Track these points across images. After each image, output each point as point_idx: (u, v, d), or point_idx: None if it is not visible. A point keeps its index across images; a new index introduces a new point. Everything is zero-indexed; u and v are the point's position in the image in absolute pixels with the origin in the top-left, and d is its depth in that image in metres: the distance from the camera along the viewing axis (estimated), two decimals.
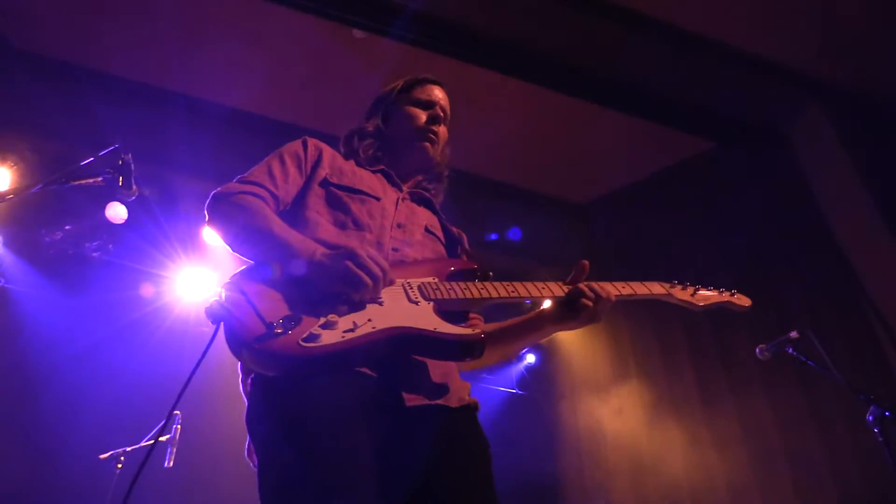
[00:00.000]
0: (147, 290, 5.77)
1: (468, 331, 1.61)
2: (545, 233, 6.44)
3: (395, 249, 1.85)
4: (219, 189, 1.82)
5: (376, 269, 1.59)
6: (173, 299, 5.96)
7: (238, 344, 1.48)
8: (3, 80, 4.98)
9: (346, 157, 2.08)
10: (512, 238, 6.28)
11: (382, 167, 2.07)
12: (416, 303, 1.66)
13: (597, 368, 6.57)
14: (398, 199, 1.99)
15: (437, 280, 1.77)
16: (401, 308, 1.63)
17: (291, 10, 4.54)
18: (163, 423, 1.86)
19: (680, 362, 5.73)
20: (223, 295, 1.57)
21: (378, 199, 1.94)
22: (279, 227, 1.71)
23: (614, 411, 6.17)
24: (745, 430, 5.07)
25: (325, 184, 1.91)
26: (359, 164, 2.04)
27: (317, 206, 1.87)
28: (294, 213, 1.87)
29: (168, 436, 4.49)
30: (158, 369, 5.48)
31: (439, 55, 4.78)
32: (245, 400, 1.67)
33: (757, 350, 3.63)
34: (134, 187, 2.69)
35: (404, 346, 1.58)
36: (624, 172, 6.12)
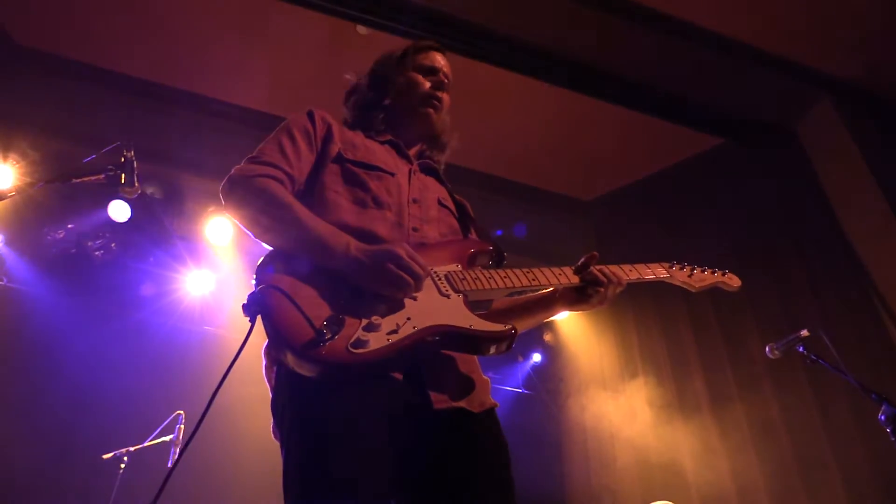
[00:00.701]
0: (148, 288, 5.77)
1: (501, 327, 1.63)
2: (549, 230, 6.44)
3: (414, 229, 1.85)
4: (234, 171, 1.77)
5: (419, 270, 1.61)
6: (177, 298, 5.98)
7: (282, 346, 1.49)
8: (5, 77, 5.00)
9: (353, 126, 2.06)
10: (517, 235, 6.27)
11: (390, 137, 2.06)
12: (447, 296, 1.69)
13: (604, 368, 6.55)
14: (410, 172, 1.99)
15: (461, 268, 1.79)
16: (434, 303, 1.66)
17: (296, 7, 4.54)
18: (200, 420, 1.82)
19: (688, 361, 5.71)
20: (261, 289, 1.56)
21: (393, 174, 1.93)
22: (306, 215, 1.68)
23: (622, 411, 6.15)
24: (755, 429, 5.04)
25: (339, 160, 1.89)
26: (367, 136, 2.02)
27: (334, 184, 1.85)
28: (311, 192, 1.85)
29: (172, 436, 4.51)
30: (162, 368, 5.51)
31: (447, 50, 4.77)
32: (269, 387, 1.69)
33: (766, 349, 3.62)
34: (136, 184, 2.70)
35: (440, 342, 1.61)
36: (629, 169, 6.12)
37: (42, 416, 5.11)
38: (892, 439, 3.17)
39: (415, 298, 1.64)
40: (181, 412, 4.59)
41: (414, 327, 1.56)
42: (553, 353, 7.17)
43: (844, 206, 4.97)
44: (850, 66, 4.83)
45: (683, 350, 5.80)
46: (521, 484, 1.71)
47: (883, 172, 4.76)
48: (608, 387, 6.41)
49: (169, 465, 4.35)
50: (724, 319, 5.48)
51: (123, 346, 5.51)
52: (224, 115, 5.45)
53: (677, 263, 2.14)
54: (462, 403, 1.68)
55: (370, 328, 1.52)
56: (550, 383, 7.10)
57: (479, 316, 1.67)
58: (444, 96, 2.13)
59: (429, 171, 2.11)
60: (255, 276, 1.63)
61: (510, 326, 1.63)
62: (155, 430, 4.58)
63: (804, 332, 3.48)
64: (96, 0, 4.64)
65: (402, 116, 2.10)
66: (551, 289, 1.98)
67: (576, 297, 1.94)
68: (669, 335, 5.94)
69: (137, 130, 5.06)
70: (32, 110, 5.04)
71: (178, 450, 4.41)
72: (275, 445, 1.64)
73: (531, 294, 2.01)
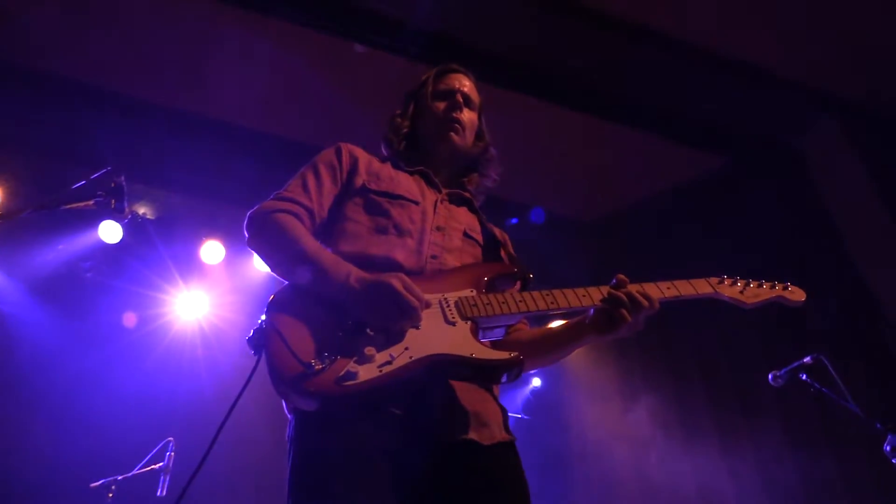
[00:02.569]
0: (130, 319, 5.78)
1: (505, 355, 1.60)
2: (551, 252, 6.46)
3: (433, 257, 1.87)
4: (255, 208, 1.87)
5: (414, 302, 1.61)
6: (169, 321, 6.00)
7: (276, 381, 1.55)
8: None
9: (385, 159, 2.11)
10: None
11: (421, 168, 2.10)
12: (454, 323, 1.67)
13: (605, 394, 6.54)
14: (437, 201, 2.02)
15: (474, 293, 1.77)
16: (437, 331, 1.65)
17: (291, 25, 4.61)
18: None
19: (692, 387, 5.72)
20: (259, 326, 1.64)
21: (417, 202, 1.97)
22: (312, 246, 1.75)
23: (624, 437, 6.15)
24: (759, 457, 5.05)
25: (363, 191, 1.95)
26: (395, 166, 2.07)
27: (356, 214, 1.91)
28: (332, 224, 1.92)
29: (161, 464, 4.48)
30: (153, 395, 5.50)
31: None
32: (288, 417, 1.74)
33: (770, 376, 3.64)
34: (126, 210, 2.75)
35: (441, 371, 1.61)
36: (632, 190, 6.15)
37: (29, 443, 5.09)
38: None
39: (418, 327, 1.64)
40: (171, 439, 4.57)
41: (410, 357, 1.57)
42: (553, 378, 7.17)
43: (849, 227, 5.01)
44: (854, 84, 4.89)
45: (687, 374, 5.80)
46: None
47: (889, 193, 4.79)
48: (610, 413, 6.40)
49: (159, 493, 4.33)
50: (728, 346, 5.50)
51: (113, 371, 5.50)
52: (220, 134, 5.50)
53: (728, 277, 1.98)
54: (471, 436, 1.66)
55: (362, 360, 1.54)
56: (551, 409, 7.10)
57: (490, 343, 1.66)
58: (463, 116, 2.14)
59: (461, 201, 2.12)
60: (264, 311, 1.68)
61: (515, 354, 1.60)
62: (144, 458, 4.56)
63: (808, 360, 3.50)
64: (89, 19, 4.69)
65: (428, 144, 2.15)
66: (581, 315, 1.89)
67: (605, 323, 1.80)
68: (672, 362, 5.95)
69: (131, 151, 5.11)
70: (24, 130, 5.07)
71: (167, 477, 4.40)
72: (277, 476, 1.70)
73: (565, 321, 1.95)
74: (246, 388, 1.68)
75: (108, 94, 5.18)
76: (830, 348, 4.58)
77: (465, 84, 2.21)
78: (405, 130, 2.18)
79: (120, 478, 4.48)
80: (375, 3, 4.53)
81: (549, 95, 5.18)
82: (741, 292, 1.95)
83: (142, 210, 5.61)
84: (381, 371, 1.53)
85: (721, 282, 1.96)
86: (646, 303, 1.77)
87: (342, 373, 1.51)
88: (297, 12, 4.55)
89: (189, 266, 5.87)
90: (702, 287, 1.93)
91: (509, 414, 1.90)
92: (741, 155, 5.53)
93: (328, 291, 1.67)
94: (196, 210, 5.75)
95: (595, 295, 1.80)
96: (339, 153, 2.02)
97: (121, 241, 5.55)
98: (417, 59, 4.75)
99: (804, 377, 3.52)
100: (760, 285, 1.98)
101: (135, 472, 4.52)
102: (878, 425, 3.30)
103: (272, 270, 1.81)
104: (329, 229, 1.92)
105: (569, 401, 6.97)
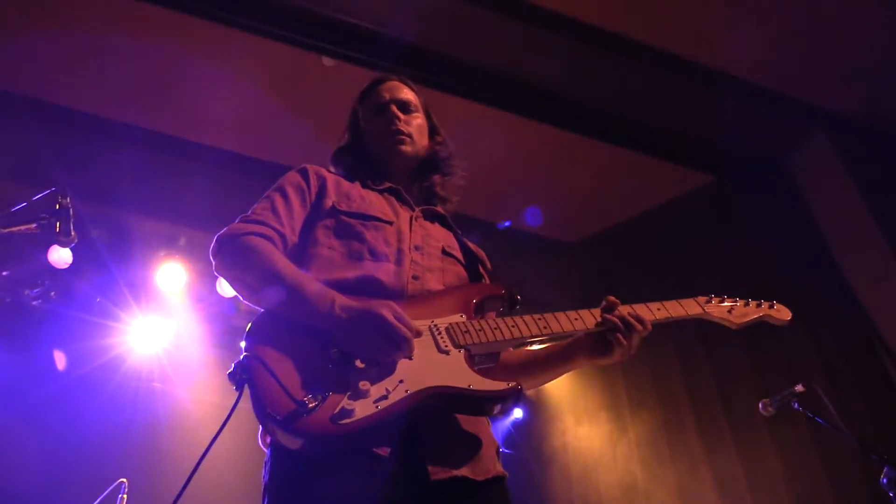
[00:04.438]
0: (91, 341, 5.61)
1: (503, 385, 1.61)
2: (532, 274, 6.42)
3: (415, 277, 1.85)
4: (223, 231, 1.83)
5: (405, 333, 1.58)
6: (123, 352, 5.83)
7: (266, 419, 1.48)
8: None
9: (351, 178, 2.10)
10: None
11: (389, 185, 2.10)
12: (447, 352, 1.67)
13: (591, 426, 6.49)
14: (411, 219, 2.01)
15: (465, 318, 1.77)
16: (432, 362, 1.63)
17: (254, 38, 4.54)
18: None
19: (682, 419, 5.69)
20: (242, 360, 1.56)
21: (391, 223, 1.96)
22: (291, 271, 1.71)
23: (610, 471, 6.09)
24: (752, 481, 5.02)
25: (333, 212, 1.93)
26: (364, 186, 2.07)
27: (327, 240, 1.88)
28: (304, 249, 1.89)
29: None
30: (105, 432, 5.35)
31: (416, 84, 4.81)
32: (265, 451, 1.68)
33: (760, 405, 3.57)
34: (73, 233, 2.63)
35: (438, 405, 1.59)
36: (617, 209, 6.13)
37: None
38: None
39: (410, 358, 1.61)
40: (124, 480, 4.42)
41: (406, 391, 1.54)
42: (535, 409, 7.10)
43: (842, 245, 5.02)
44: (846, 99, 4.90)
45: (676, 403, 5.77)
46: None
47: (882, 210, 4.81)
48: (596, 446, 6.35)
49: None
50: (719, 375, 5.48)
51: (61, 406, 5.32)
52: (179, 152, 5.41)
53: (715, 297, 2.05)
54: (463, 472, 1.63)
55: (357, 395, 1.50)
56: (533, 441, 7.02)
57: (484, 371, 1.67)
58: (404, 124, 2.14)
59: (434, 217, 2.13)
60: (244, 341, 1.62)
61: (514, 384, 1.61)
62: (95, 501, 4.41)
63: (799, 388, 3.45)
64: (37, 27, 4.59)
65: (382, 164, 2.15)
66: (571, 338, 1.93)
67: (597, 347, 1.86)
68: (660, 392, 5.91)
69: (81, 169, 4.99)
70: None
71: None
72: None
73: (552, 344, 1.97)
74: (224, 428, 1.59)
75: (56, 108, 5.06)
76: (825, 374, 4.59)
77: (396, 89, 2.22)
78: (354, 151, 2.20)
79: None
80: (348, 16, 4.49)
81: (529, 111, 5.17)
82: (729, 312, 2.03)
83: (93, 233, 5.47)
84: (377, 407, 1.50)
85: (709, 301, 2.04)
86: (639, 325, 1.82)
87: (337, 410, 1.47)
88: (262, 24, 4.49)
89: (145, 292, 5.73)
90: (691, 307, 2.00)
91: None
92: (730, 172, 5.54)
93: (311, 320, 1.63)
94: (152, 233, 5.62)
95: (588, 318, 1.84)
96: (305, 174, 2.01)
97: (71, 265, 5.40)
98: (390, 72, 4.71)
99: (796, 406, 3.48)
100: (747, 304, 2.07)
101: None
102: (875, 457, 3.25)
103: (244, 298, 1.77)
104: (300, 255, 1.87)
105: (551, 432, 6.90)
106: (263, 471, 1.65)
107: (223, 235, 1.81)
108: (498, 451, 1.82)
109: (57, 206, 2.69)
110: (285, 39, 4.54)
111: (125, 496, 4.34)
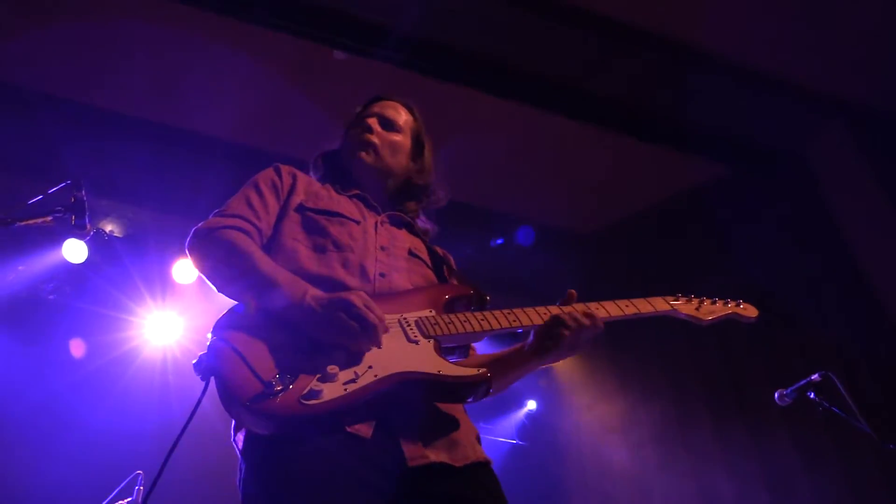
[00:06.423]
0: (106, 335, 5.67)
1: (472, 371, 1.66)
2: (545, 265, 6.44)
3: (382, 275, 1.90)
4: (199, 225, 1.88)
5: (373, 319, 1.62)
6: (138, 345, 5.91)
7: (232, 402, 1.51)
8: None
9: (322, 181, 2.19)
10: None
11: (357, 192, 2.16)
12: (416, 342, 1.71)
13: (605, 417, 6.51)
14: (377, 223, 2.07)
15: (434, 313, 1.81)
16: (400, 350, 1.67)
17: (268, 33, 4.59)
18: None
19: (695, 409, 5.70)
20: (211, 346, 1.61)
21: (357, 221, 2.02)
22: (265, 263, 1.77)
23: (626, 462, 6.11)
24: (768, 478, 5.02)
25: (300, 209, 2.00)
26: (336, 191, 2.13)
27: (293, 232, 1.94)
28: (274, 242, 1.95)
29: (130, 499, 4.40)
30: (120, 424, 5.41)
31: (428, 77, 4.84)
32: (238, 455, 1.69)
33: (776, 395, 3.60)
34: (88, 226, 2.69)
35: (408, 390, 1.62)
36: (630, 200, 6.14)
37: None
38: None
39: (379, 346, 1.65)
40: (140, 472, 4.48)
41: (375, 375, 1.58)
42: (550, 401, 7.13)
43: (858, 236, 5.01)
44: (862, 87, 4.90)
45: (689, 396, 5.79)
46: None
47: None
48: (610, 437, 6.37)
49: None
50: (734, 365, 5.49)
51: (78, 399, 5.41)
52: (192, 145, 5.46)
53: (683, 296, 2.13)
54: (442, 458, 1.65)
55: (325, 378, 1.54)
56: (547, 433, 7.05)
57: (455, 362, 1.70)
58: (374, 137, 2.19)
59: (400, 223, 2.17)
60: (210, 334, 1.66)
61: (483, 370, 1.66)
62: (111, 493, 4.48)
63: (815, 377, 3.47)
64: (49, 25, 4.65)
65: (348, 167, 2.22)
66: (522, 341, 1.95)
67: (544, 344, 1.86)
68: (674, 381, 5.93)
69: (98, 164, 5.05)
70: None
71: None
72: None
73: (507, 349, 2.00)
74: (193, 417, 1.65)
75: (72, 104, 5.13)
76: (842, 365, 4.58)
77: (389, 107, 2.28)
78: (331, 154, 2.28)
79: None
80: (359, 10, 4.52)
81: (541, 102, 5.18)
82: (697, 309, 2.13)
83: (109, 227, 5.54)
84: (346, 389, 1.53)
85: (677, 299, 2.12)
86: (587, 321, 1.84)
87: (305, 391, 1.50)
88: (275, 18, 4.53)
89: (160, 286, 5.80)
90: (659, 304, 2.09)
91: (503, 439, 1.88)
92: (744, 163, 5.53)
93: (283, 310, 1.67)
94: (168, 226, 5.69)
95: (556, 312, 1.88)
96: (278, 171, 2.09)
97: (86, 260, 5.47)
98: (404, 65, 4.74)
99: (812, 396, 3.49)
100: (714, 302, 2.18)
101: None
102: (892, 446, 3.27)
103: (219, 289, 1.82)
104: (272, 248, 1.93)
105: (566, 424, 6.92)
106: (237, 479, 1.65)
107: (200, 229, 1.87)
108: (478, 438, 1.84)
109: (72, 200, 2.75)
110: (298, 33, 4.57)
111: (141, 488, 4.41)
